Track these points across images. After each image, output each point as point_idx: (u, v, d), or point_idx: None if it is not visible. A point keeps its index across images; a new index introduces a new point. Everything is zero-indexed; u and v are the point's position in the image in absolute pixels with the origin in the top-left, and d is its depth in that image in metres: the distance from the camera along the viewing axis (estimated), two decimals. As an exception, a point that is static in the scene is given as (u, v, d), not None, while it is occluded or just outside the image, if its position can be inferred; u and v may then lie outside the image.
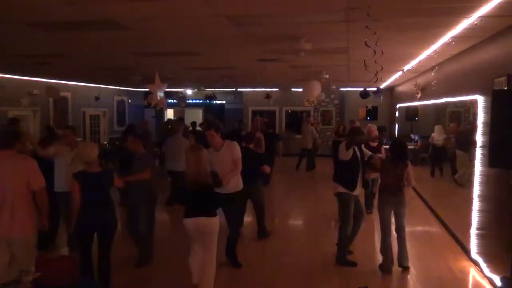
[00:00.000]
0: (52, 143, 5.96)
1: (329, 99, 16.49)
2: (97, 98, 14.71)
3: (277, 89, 15.31)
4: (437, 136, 8.56)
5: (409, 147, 8.03)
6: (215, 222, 4.21)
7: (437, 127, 8.73)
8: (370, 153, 5.56)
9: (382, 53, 4.40)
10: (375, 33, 3.86)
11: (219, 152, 4.97)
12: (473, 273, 5.19)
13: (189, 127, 12.76)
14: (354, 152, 5.20)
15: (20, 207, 3.81)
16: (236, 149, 5.03)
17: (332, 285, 4.95)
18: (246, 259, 5.56)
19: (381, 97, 12.98)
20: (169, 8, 4.05)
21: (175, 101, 17.86)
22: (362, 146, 5.50)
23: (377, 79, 5.17)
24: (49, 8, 4.02)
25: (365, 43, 4.04)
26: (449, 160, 7.91)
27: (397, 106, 13.35)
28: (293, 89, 15.85)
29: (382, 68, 4.79)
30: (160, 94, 7.22)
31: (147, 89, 8.36)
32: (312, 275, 5.15)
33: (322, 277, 5.12)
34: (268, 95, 14.80)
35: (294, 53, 5.69)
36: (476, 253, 5.25)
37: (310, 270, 5.30)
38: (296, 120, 17.30)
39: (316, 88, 7.97)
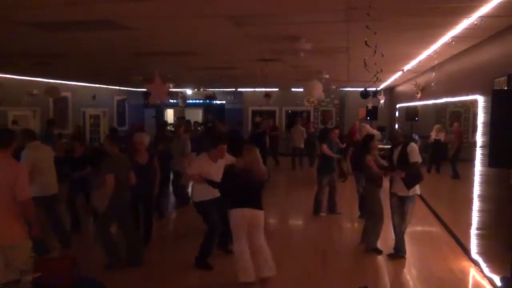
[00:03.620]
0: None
1: (329, 99, 16.48)
2: (93, 97, 14.79)
3: (277, 89, 15.30)
4: (435, 134, 8.62)
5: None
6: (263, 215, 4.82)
7: (435, 127, 8.78)
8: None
9: (382, 55, 4.41)
10: (375, 33, 3.86)
11: (217, 163, 5.22)
12: (473, 273, 5.19)
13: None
14: None
15: (6, 212, 3.61)
16: (229, 158, 5.42)
17: (333, 283, 4.96)
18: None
19: (382, 100, 12.92)
20: (169, 8, 4.05)
21: (175, 101, 17.85)
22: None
23: (376, 79, 5.21)
24: (49, 8, 4.02)
25: (365, 43, 4.04)
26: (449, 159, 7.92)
27: (397, 106, 13.35)
28: (293, 89, 15.85)
29: (381, 70, 4.80)
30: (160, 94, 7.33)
31: (147, 89, 8.40)
32: (311, 275, 5.16)
33: (322, 276, 5.13)
34: (266, 94, 14.80)
35: (294, 53, 5.70)
36: (476, 253, 5.25)
37: (310, 268, 5.31)
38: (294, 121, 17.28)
39: (317, 88, 7.97)
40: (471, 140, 5.95)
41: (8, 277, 3.29)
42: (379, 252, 5.82)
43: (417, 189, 5.55)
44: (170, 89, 16.49)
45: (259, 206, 4.73)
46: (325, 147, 7.73)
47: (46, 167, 5.56)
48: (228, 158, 5.37)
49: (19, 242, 3.68)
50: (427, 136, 9.12)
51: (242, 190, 4.72)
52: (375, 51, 4.06)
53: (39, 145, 5.64)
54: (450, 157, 7.84)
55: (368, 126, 8.91)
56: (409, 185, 5.43)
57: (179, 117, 16.25)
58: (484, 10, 3.94)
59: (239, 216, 4.68)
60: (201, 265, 5.25)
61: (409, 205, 5.53)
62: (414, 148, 5.50)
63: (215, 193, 5.25)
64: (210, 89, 17.03)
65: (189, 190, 9.55)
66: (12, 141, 3.79)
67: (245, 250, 4.69)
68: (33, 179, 5.36)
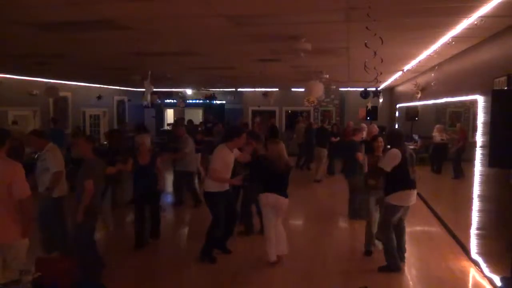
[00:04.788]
0: None
1: (329, 99, 16.49)
2: (99, 98, 15.09)
3: (277, 89, 15.26)
4: (439, 135, 8.62)
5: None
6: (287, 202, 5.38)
7: (437, 127, 8.78)
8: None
9: (382, 61, 4.42)
10: (375, 34, 3.86)
11: (233, 153, 5.53)
12: (473, 273, 5.19)
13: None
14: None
15: (2, 211, 3.57)
16: (236, 151, 5.71)
17: (333, 283, 4.95)
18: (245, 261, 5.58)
19: (381, 100, 12.98)
20: (169, 8, 4.05)
21: (175, 101, 17.84)
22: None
23: (377, 81, 5.21)
24: (49, 8, 4.02)
25: (365, 45, 4.04)
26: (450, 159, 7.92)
27: (397, 106, 13.35)
28: (293, 89, 15.84)
29: (381, 73, 4.80)
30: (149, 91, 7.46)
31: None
32: (311, 275, 5.16)
33: (322, 276, 5.13)
34: (265, 93, 14.82)
35: (294, 53, 5.70)
36: (476, 253, 5.25)
37: (310, 268, 5.31)
38: (296, 120, 17.30)
39: (318, 89, 7.95)
40: (471, 140, 5.95)
41: (7, 277, 3.28)
42: (368, 253, 5.75)
43: (396, 199, 5.08)
44: (170, 89, 16.60)
45: (284, 194, 5.27)
46: (360, 155, 7.17)
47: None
48: (236, 151, 5.62)
49: (16, 241, 3.66)
50: (427, 136, 9.12)
51: (270, 177, 5.23)
52: (375, 53, 4.06)
53: (55, 146, 5.43)
54: (453, 157, 7.84)
55: (364, 125, 8.84)
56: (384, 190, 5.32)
57: (179, 118, 16.30)
58: (484, 10, 3.94)
59: (264, 200, 5.28)
60: (206, 257, 5.34)
61: (383, 205, 5.35)
62: (387, 154, 5.17)
63: (226, 186, 5.47)
64: (210, 89, 17.03)
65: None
66: (5, 141, 3.76)
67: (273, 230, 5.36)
68: (61, 180, 5.26)
